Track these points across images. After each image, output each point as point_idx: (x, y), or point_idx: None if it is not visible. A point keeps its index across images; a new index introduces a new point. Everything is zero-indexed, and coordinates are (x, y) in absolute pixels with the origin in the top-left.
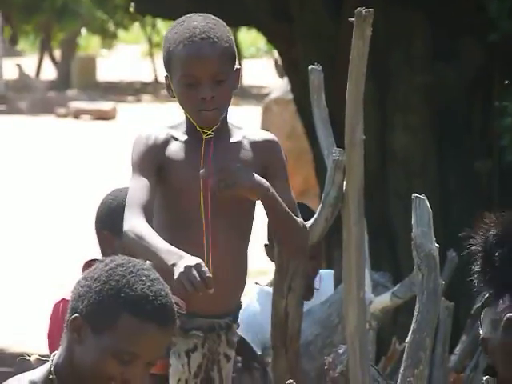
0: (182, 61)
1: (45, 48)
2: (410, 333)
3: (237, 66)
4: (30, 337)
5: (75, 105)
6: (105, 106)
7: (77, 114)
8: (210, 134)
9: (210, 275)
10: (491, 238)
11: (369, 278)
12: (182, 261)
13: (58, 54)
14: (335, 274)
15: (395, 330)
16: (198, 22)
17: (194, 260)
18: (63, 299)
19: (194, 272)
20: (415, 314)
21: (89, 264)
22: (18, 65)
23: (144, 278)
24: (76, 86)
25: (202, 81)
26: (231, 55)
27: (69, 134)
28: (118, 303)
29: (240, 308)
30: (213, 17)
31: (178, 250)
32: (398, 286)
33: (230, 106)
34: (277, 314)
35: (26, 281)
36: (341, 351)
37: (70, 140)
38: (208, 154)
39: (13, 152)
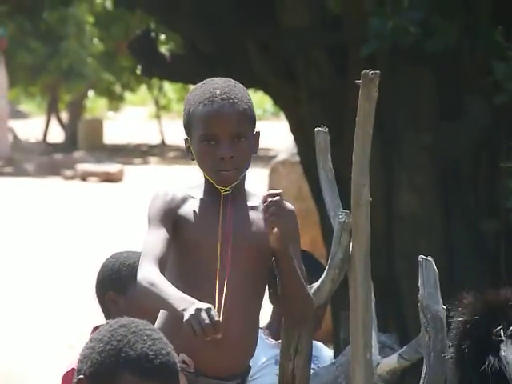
0: (202, 120)
1: (52, 110)
2: None
3: (257, 129)
4: None
5: (82, 167)
6: (112, 168)
7: (84, 176)
8: (227, 191)
9: (219, 320)
10: (461, 326)
11: (375, 340)
12: (193, 305)
13: (64, 115)
14: (343, 334)
15: None
16: (218, 83)
17: (204, 305)
18: (72, 369)
19: (204, 315)
20: (422, 375)
21: (96, 329)
22: (10, 128)
23: (145, 338)
24: (83, 147)
25: (221, 139)
26: (251, 117)
27: (76, 196)
28: (119, 363)
29: (249, 371)
30: (233, 80)
31: (190, 297)
32: (404, 347)
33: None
34: (284, 376)
35: (33, 340)
36: None
37: (76, 202)
38: (226, 208)
39: (19, 214)
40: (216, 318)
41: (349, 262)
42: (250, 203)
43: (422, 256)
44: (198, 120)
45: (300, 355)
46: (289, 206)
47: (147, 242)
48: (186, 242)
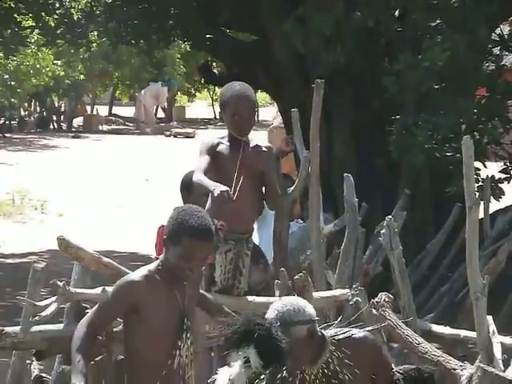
0: (231, 103)
1: None
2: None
3: (255, 109)
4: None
5: (175, 130)
6: (189, 130)
7: (175, 135)
8: (242, 139)
9: (233, 196)
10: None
11: (322, 216)
12: (219, 187)
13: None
14: (306, 214)
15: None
16: (239, 84)
17: (225, 187)
18: (162, 225)
19: (224, 190)
20: (346, 235)
21: (162, 227)
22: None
23: (196, 215)
24: (175, 120)
25: (242, 115)
26: (255, 103)
27: (171, 145)
28: (180, 229)
29: (253, 230)
30: (246, 84)
31: (219, 184)
32: (336, 220)
33: (251, 131)
34: (275, 234)
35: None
36: (308, 253)
37: (172, 148)
38: (243, 148)
39: (146, 153)
40: (230, 194)
41: (309, 176)
42: (251, 144)
43: (346, 175)
44: (228, 103)
45: (284, 224)
46: (268, 145)
47: (198, 163)
48: (220, 162)
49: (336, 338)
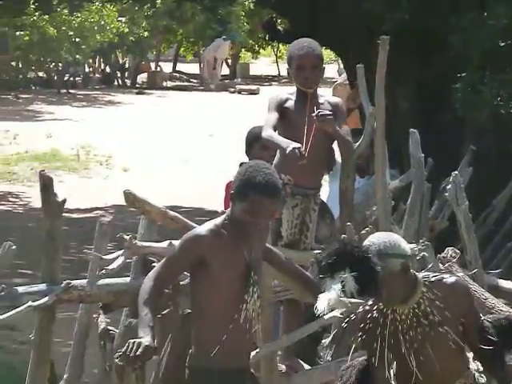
0: (295, 55)
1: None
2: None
3: (323, 66)
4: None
5: (239, 86)
6: (253, 87)
7: (239, 91)
8: (310, 92)
9: (304, 152)
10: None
11: (388, 172)
12: (292, 144)
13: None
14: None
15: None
16: (305, 40)
17: (297, 144)
18: (230, 181)
19: (297, 147)
20: (412, 190)
21: (230, 183)
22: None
23: (263, 172)
24: (239, 76)
25: (306, 68)
26: (321, 58)
27: (236, 102)
28: (247, 185)
29: (321, 186)
30: (314, 40)
31: (290, 141)
32: (402, 176)
33: (318, 86)
34: (341, 189)
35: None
36: (374, 208)
37: (236, 104)
38: (312, 103)
39: (211, 108)
40: (302, 151)
41: (374, 132)
42: (320, 100)
43: (412, 130)
44: (293, 57)
45: (351, 180)
46: (337, 99)
47: (267, 118)
48: (289, 118)
49: (428, 280)
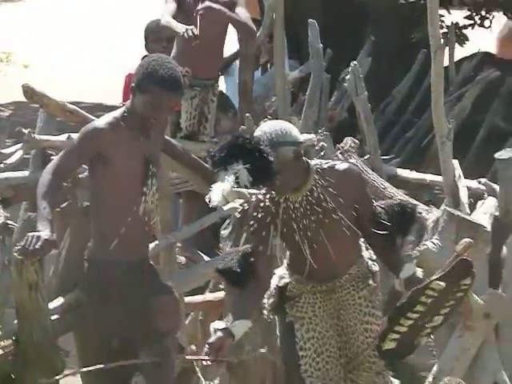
0: None
1: None
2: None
3: None
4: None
5: None
6: None
7: None
8: None
9: (197, 33)
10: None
11: (287, 62)
12: (185, 27)
13: None
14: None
15: None
16: None
17: (191, 26)
18: (130, 73)
19: (190, 29)
20: (311, 81)
21: (130, 75)
22: None
23: (166, 66)
24: None
25: None
26: None
27: None
28: (150, 78)
29: (219, 77)
30: None
31: (186, 26)
32: (301, 67)
33: None
34: (240, 81)
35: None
36: (273, 99)
37: None
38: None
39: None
40: (195, 31)
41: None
42: None
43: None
44: None
45: (249, 72)
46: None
47: (165, 8)
48: (185, 5)
49: (320, 167)
